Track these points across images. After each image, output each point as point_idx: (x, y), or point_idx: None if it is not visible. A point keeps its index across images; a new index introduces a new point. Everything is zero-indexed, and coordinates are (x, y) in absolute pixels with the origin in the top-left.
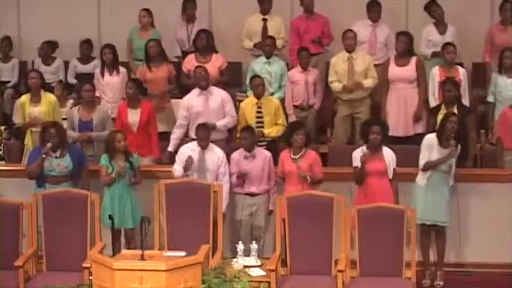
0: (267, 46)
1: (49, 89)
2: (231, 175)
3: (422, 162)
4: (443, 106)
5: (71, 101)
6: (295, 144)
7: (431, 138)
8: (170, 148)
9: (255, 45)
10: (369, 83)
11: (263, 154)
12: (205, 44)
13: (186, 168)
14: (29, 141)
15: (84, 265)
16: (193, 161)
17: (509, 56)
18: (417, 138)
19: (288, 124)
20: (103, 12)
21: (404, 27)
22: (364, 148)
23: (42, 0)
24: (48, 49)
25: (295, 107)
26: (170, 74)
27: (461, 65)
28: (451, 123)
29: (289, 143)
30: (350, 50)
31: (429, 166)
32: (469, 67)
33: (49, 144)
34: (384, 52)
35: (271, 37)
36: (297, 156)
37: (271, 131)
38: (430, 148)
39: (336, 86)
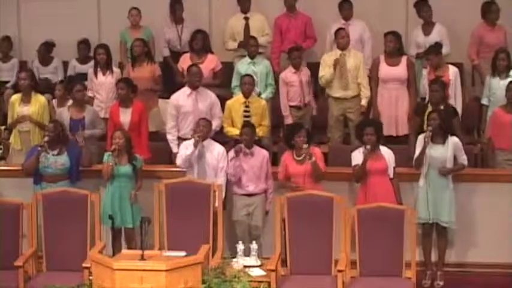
0: (251, 47)
1: (48, 87)
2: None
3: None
4: (429, 106)
5: (71, 101)
6: (298, 145)
7: (421, 136)
8: (174, 150)
9: (239, 45)
10: (365, 100)
11: (261, 153)
12: (201, 45)
13: (197, 142)
14: (15, 140)
15: (84, 265)
16: (203, 134)
17: (504, 57)
18: (408, 138)
19: (287, 126)
20: (102, 13)
21: (404, 27)
22: (362, 148)
23: (42, 0)
24: (45, 51)
25: (292, 107)
26: (154, 74)
27: (460, 65)
28: (430, 121)
29: (290, 145)
30: (343, 48)
31: (416, 161)
32: (469, 67)
33: (46, 138)
34: (359, 49)
35: (254, 37)
36: (300, 158)
37: (259, 131)
38: (421, 146)
39: (327, 76)
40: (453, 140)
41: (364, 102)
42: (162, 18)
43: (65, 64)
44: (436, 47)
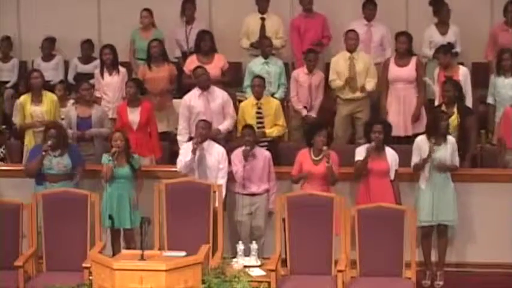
0: (266, 47)
1: (49, 86)
2: (235, 172)
3: (412, 164)
4: (443, 106)
5: (71, 101)
6: (317, 145)
7: (420, 140)
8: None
9: (251, 44)
10: (370, 85)
11: (263, 154)
12: (210, 46)
13: (195, 148)
14: (29, 142)
15: (84, 265)
16: (202, 137)
17: (507, 57)
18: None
19: (308, 125)
20: (103, 12)
21: (405, 27)
22: (368, 145)
23: (42, 0)
24: (49, 46)
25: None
26: (171, 74)
27: (461, 64)
28: (441, 121)
29: (309, 143)
30: (352, 50)
31: (416, 167)
32: (469, 67)
33: (49, 142)
34: (379, 52)
35: (268, 38)
36: (318, 158)
37: (273, 131)
38: (420, 149)
39: (337, 83)
40: (451, 140)
41: (369, 87)
42: (172, 19)
43: (65, 64)
44: (446, 46)
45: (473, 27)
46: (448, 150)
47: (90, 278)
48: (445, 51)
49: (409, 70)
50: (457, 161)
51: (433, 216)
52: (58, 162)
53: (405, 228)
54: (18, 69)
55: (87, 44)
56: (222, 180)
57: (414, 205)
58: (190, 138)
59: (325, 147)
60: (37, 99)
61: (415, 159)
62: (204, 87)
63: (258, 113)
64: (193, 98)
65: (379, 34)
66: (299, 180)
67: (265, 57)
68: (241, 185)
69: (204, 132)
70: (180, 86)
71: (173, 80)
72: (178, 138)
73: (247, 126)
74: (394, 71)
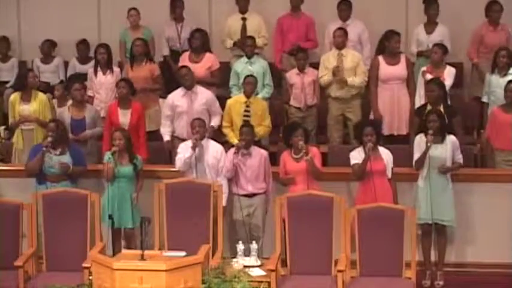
0: (247, 46)
1: (48, 87)
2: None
3: (414, 161)
4: (428, 106)
5: (70, 101)
6: (295, 144)
7: (419, 137)
8: (166, 138)
9: (234, 44)
10: (356, 80)
11: (259, 152)
12: (199, 44)
13: (195, 144)
14: (18, 140)
15: (84, 265)
16: (200, 135)
17: (504, 55)
18: (410, 137)
19: (285, 126)
20: (103, 13)
21: (405, 27)
22: (361, 149)
23: (42, 0)
24: (49, 47)
25: (295, 108)
26: (152, 73)
27: (460, 65)
28: (430, 123)
29: (288, 145)
30: (339, 47)
31: (417, 163)
32: (468, 67)
33: (49, 138)
34: (358, 49)
35: (251, 37)
36: (298, 156)
37: (260, 130)
38: (420, 147)
39: (326, 79)
40: (451, 139)
41: (356, 80)
42: (162, 18)
43: (65, 64)
44: (444, 45)
45: (473, 27)
46: (447, 149)
47: (90, 278)
48: (444, 50)
49: (401, 68)
50: (459, 158)
51: (430, 214)
52: (59, 161)
53: (405, 228)
54: (17, 69)
55: (83, 45)
56: (225, 179)
57: (413, 203)
58: (175, 137)
59: (301, 143)
60: (27, 98)
61: (416, 156)
62: (188, 87)
63: (246, 111)
64: (177, 97)
65: (354, 33)
66: (287, 183)
67: (249, 57)
68: (235, 182)
69: (201, 130)
70: (172, 84)
71: (157, 80)
72: (162, 130)
73: (245, 125)
74: (386, 69)
